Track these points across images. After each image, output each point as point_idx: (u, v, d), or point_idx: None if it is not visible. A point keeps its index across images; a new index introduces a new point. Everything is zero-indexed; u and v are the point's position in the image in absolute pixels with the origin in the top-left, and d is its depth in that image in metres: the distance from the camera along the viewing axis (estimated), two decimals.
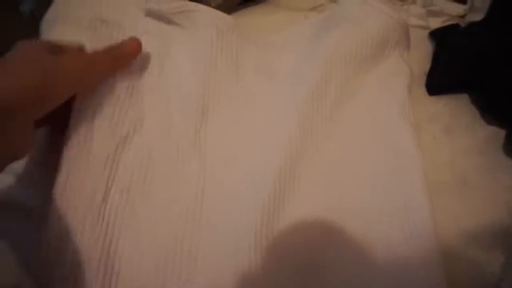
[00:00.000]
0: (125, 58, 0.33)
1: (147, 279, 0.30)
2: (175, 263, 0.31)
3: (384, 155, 0.36)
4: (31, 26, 0.55)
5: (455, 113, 0.41)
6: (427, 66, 0.45)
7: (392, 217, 0.33)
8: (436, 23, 0.49)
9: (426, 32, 0.48)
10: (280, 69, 0.42)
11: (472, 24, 0.44)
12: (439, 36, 0.45)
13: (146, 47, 0.37)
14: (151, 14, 0.40)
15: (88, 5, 0.42)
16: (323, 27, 0.43)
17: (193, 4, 0.41)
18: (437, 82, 0.42)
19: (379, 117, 0.39)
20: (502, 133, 0.39)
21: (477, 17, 0.49)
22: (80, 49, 0.33)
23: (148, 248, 0.31)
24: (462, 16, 0.50)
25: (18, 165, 0.34)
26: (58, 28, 0.39)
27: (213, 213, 0.33)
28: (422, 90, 0.43)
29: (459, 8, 0.50)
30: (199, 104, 0.37)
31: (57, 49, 0.29)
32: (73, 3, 0.44)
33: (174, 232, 0.32)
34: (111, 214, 0.31)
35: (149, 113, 0.36)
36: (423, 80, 0.44)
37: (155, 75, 0.38)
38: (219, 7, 0.42)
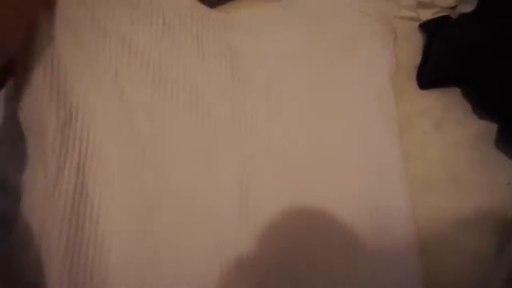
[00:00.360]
0: None
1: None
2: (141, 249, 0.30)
3: (362, 147, 0.37)
4: None
5: (446, 107, 0.40)
6: (418, 59, 0.44)
7: (369, 213, 0.34)
8: (426, 14, 0.48)
9: (417, 24, 0.47)
10: (246, 51, 0.41)
11: (463, 16, 0.43)
12: (430, 28, 0.44)
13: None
14: None
15: None
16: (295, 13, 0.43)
17: None
18: (428, 76, 0.41)
19: (358, 107, 0.39)
20: (494, 127, 0.38)
21: (468, 8, 0.48)
22: None
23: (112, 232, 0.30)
24: (453, 8, 0.49)
25: None
26: None
27: (172, 200, 0.33)
28: (413, 84, 0.42)
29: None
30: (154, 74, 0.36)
31: None
32: None
33: (141, 219, 0.31)
34: (66, 197, 0.30)
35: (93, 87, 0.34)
36: (414, 73, 0.43)
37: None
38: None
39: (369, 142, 0.37)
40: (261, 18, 0.44)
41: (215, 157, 0.35)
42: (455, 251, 0.34)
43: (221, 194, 0.33)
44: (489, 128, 0.38)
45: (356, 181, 0.35)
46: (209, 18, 0.41)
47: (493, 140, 0.38)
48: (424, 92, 0.42)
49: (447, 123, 0.39)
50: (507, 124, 0.38)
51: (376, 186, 0.35)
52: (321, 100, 0.39)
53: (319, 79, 0.39)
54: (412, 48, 0.45)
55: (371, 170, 0.36)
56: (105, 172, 0.31)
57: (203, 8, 0.41)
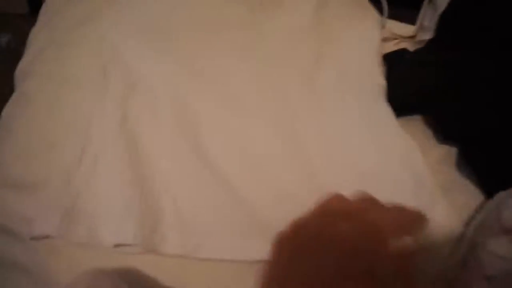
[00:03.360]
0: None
1: None
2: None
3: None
4: (8, 57, 0.60)
5: (410, 135, 0.43)
6: None
7: None
8: (388, 45, 0.51)
9: None
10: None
11: (415, 53, 0.46)
12: (388, 62, 0.47)
13: None
14: None
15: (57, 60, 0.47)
16: None
17: None
18: (392, 107, 0.44)
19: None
20: (453, 151, 0.42)
21: (427, 35, 0.52)
22: None
23: None
24: (413, 36, 0.53)
25: None
26: (32, 81, 0.46)
27: None
28: None
29: (408, 29, 0.52)
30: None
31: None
32: (45, 58, 0.47)
33: None
34: None
35: None
36: None
37: None
38: None
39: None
40: None
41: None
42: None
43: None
44: (449, 152, 0.42)
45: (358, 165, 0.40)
46: None
47: (453, 163, 0.41)
48: None
49: None
50: (467, 147, 0.41)
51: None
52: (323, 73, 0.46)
53: (321, 52, 0.48)
54: None
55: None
56: None
57: None
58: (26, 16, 1.01)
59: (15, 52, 0.57)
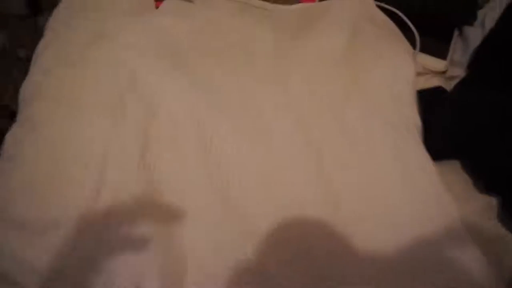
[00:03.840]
0: None
1: None
2: None
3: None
4: (2, 59, 0.56)
5: (446, 182, 0.41)
6: None
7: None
8: (419, 81, 0.49)
9: None
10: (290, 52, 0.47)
11: (457, 92, 0.44)
12: (424, 99, 0.45)
13: None
14: None
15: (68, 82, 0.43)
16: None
17: None
18: (429, 150, 0.42)
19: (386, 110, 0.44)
20: (494, 202, 0.39)
21: (457, 71, 0.50)
22: None
23: None
24: (444, 72, 0.50)
25: None
26: (39, 105, 0.42)
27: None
28: None
29: (440, 64, 0.50)
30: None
31: None
32: (53, 79, 0.43)
33: None
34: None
35: None
36: None
37: None
38: None
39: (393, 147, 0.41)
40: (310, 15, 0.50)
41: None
42: None
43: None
44: (489, 203, 0.39)
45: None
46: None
47: (493, 216, 0.39)
48: None
49: None
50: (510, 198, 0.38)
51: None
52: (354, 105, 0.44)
53: (353, 86, 0.45)
54: None
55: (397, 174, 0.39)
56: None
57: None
58: (24, 18, 0.97)
59: (10, 54, 0.54)
